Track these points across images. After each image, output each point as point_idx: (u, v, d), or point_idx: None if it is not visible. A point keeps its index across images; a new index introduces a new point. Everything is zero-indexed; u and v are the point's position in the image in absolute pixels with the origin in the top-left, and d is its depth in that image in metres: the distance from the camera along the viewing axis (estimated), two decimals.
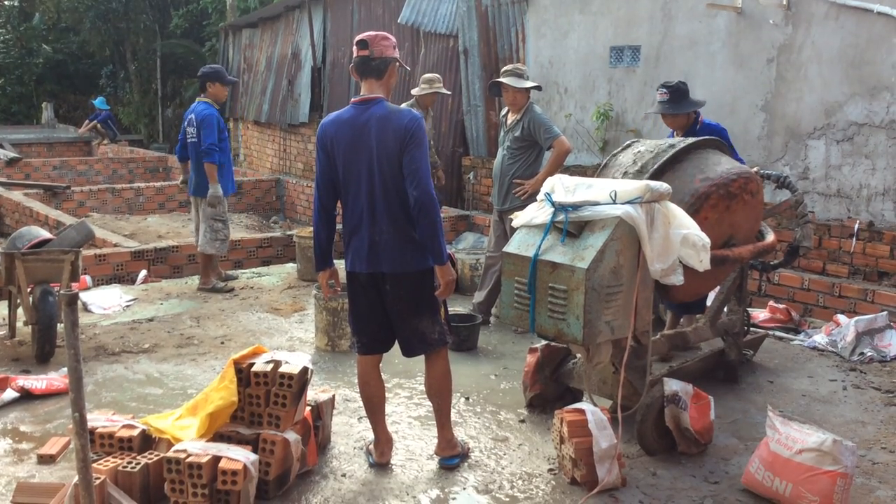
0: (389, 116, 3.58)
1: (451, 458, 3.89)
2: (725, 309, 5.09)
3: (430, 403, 4.57)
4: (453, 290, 3.73)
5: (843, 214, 6.68)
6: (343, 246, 3.81)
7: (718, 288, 5.10)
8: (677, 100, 5.28)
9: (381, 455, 3.89)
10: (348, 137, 3.63)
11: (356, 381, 4.94)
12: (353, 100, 3.73)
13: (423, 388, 4.81)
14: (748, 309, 5.40)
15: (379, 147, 3.57)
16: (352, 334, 3.94)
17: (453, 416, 4.11)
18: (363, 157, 3.61)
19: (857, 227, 6.48)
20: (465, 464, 3.91)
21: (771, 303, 6.41)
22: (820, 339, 5.81)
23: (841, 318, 5.90)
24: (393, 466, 3.86)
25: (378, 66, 3.64)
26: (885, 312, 5.82)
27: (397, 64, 3.71)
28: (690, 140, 4.60)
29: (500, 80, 5.90)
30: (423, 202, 3.51)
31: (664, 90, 5.32)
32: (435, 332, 3.76)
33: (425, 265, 3.69)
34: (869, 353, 5.51)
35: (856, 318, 5.76)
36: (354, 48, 3.68)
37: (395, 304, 3.74)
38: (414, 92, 7.70)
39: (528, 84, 5.89)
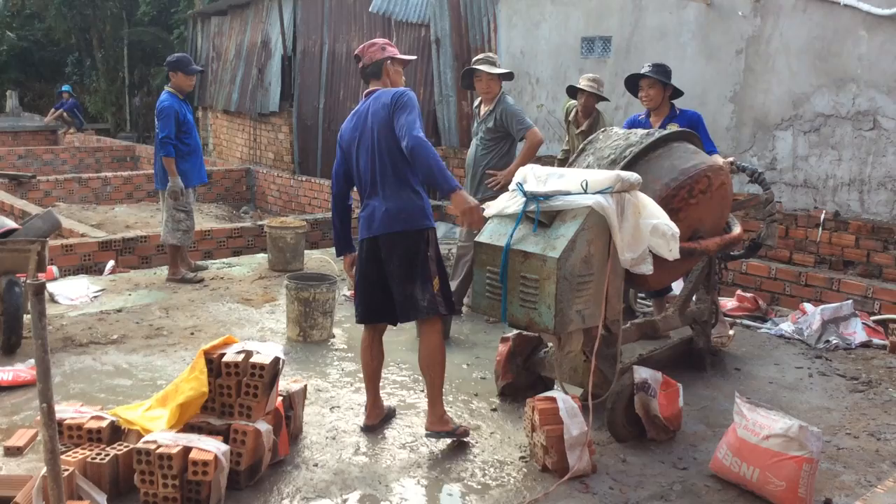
0: (381, 94, 3.98)
1: (442, 433, 3.93)
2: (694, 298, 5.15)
3: (402, 393, 4.62)
4: (479, 220, 3.75)
5: (810, 204, 6.77)
6: None
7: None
8: (661, 73, 5.49)
9: (367, 418, 4.16)
10: (353, 123, 4.05)
11: (328, 370, 4.97)
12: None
13: (395, 377, 4.84)
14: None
15: (374, 120, 3.90)
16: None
17: (425, 405, 4.12)
18: (366, 136, 3.95)
19: (823, 217, 6.58)
20: (438, 451, 3.92)
21: (739, 291, 6.49)
22: (786, 327, 5.89)
23: (807, 306, 5.99)
24: (365, 455, 3.87)
25: (373, 70, 4.08)
26: (850, 301, 5.92)
27: (389, 61, 4.07)
28: (663, 132, 4.64)
29: (474, 66, 5.91)
30: (412, 146, 3.69)
31: (648, 65, 5.56)
32: (425, 299, 3.85)
33: (411, 226, 3.84)
34: (834, 341, 5.60)
35: (822, 306, 5.85)
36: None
37: (388, 269, 3.89)
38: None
39: (501, 70, 5.90)
